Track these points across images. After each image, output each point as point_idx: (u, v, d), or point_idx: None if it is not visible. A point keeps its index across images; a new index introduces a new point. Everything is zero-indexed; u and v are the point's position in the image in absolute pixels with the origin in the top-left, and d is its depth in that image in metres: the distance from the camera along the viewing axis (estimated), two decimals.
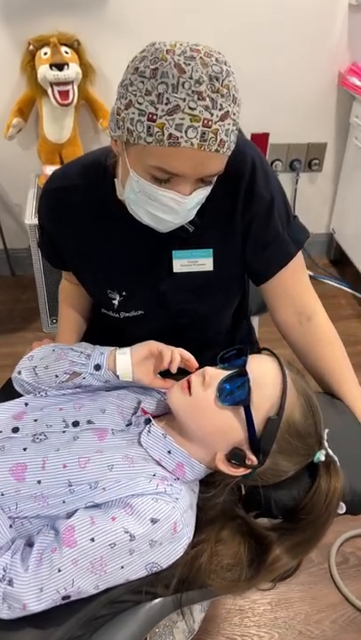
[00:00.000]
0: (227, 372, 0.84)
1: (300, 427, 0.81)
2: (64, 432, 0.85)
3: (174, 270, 1.03)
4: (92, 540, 0.74)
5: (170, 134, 0.75)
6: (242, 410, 0.80)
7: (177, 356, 0.92)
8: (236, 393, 0.81)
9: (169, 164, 0.78)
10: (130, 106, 0.77)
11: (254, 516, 0.92)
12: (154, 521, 0.75)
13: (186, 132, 0.74)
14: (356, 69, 2.34)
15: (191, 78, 0.73)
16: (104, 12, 2.11)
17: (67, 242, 1.07)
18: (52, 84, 2.02)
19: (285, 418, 0.80)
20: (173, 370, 0.92)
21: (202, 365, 1.08)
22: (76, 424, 0.87)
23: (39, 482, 0.79)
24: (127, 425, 0.89)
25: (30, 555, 0.75)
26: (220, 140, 0.77)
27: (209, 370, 0.85)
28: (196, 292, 1.06)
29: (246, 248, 1.03)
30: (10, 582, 0.73)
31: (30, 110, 2.21)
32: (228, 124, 0.77)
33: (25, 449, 0.83)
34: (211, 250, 1.02)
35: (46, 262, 2.24)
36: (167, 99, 0.74)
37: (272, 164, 2.53)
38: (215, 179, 0.86)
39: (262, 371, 0.83)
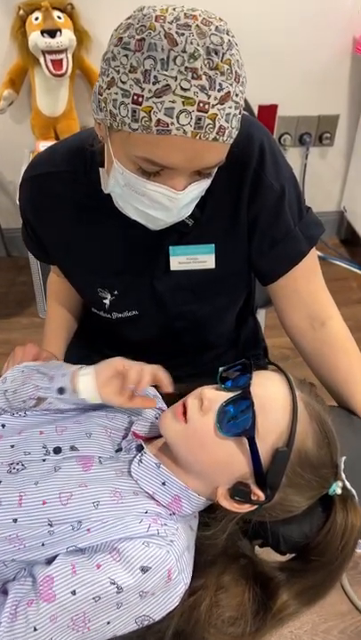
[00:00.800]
0: (227, 395, 0.73)
1: (314, 457, 0.71)
2: (44, 460, 0.75)
3: (171, 268, 0.92)
4: (74, 592, 0.64)
5: (158, 120, 0.63)
6: (245, 440, 0.70)
7: (146, 376, 0.80)
8: (239, 419, 0.70)
9: (158, 155, 0.67)
10: (112, 84, 0.65)
11: (260, 544, 0.83)
12: (144, 569, 0.66)
13: (177, 117, 0.63)
14: None
15: (185, 52, 0.61)
16: None
17: (51, 236, 0.96)
18: (44, 53, 1.88)
19: (296, 448, 0.69)
20: (139, 391, 0.81)
21: (203, 368, 0.98)
22: (57, 450, 0.77)
23: (15, 520, 0.70)
24: (116, 450, 0.79)
25: (4, 606, 0.66)
26: (220, 126, 0.65)
27: (207, 392, 0.74)
28: (196, 292, 0.95)
29: (252, 245, 0.92)
30: None
31: (22, 81, 2.07)
32: (230, 108, 0.65)
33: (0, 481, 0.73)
34: (213, 245, 0.91)
35: None
36: (155, 77, 0.62)
37: (280, 138, 2.40)
38: (215, 170, 0.74)
39: (269, 392, 0.72)
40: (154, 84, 0.62)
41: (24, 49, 1.94)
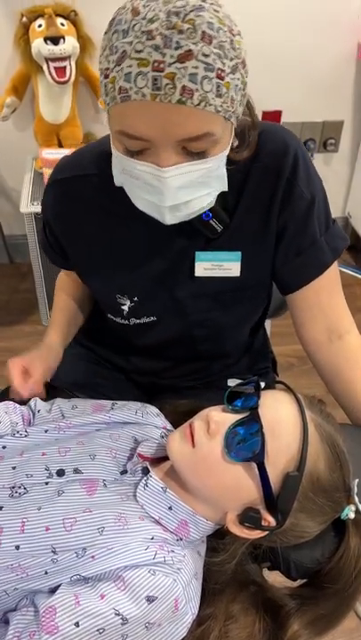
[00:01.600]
0: (235, 417, 0.71)
1: (326, 481, 0.69)
2: (47, 483, 0.73)
3: (196, 274, 0.90)
4: (77, 624, 0.62)
5: (120, 87, 0.63)
6: (255, 465, 0.67)
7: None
8: (247, 442, 0.68)
9: (127, 124, 0.66)
10: (100, 69, 0.67)
11: (269, 567, 0.80)
12: (150, 599, 0.63)
13: (135, 81, 0.62)
14: None
15: (144, 18, 0.61)
16: None
17: (73, 240, 0.94)
18: (47, 60, 1.87)
19: (308, 472, 0.67)
20: None
21: (215, 376, 0.96)
22: (60, 473, 0.74)
23: (17, 547, 0.68)
24: (121, 473, 0.77)
25: (4, 638, 0.63)
26: (183, 86, 0.62)
27: (214, 415, 0.72)
28: (218, 299, 0.94)
29: (278, 252, 0.90)
30: None
31: (25, 88, 2.07)
32: (195, 68, 0.62)
33: (1, 507, 0.71)
34: (239, 253, 0.89)
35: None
36: (116, 47, 0.62)
37: None
38: (217, 153, 0.71)
39: (278, 415, 0.70)
40: (115, 53, 0.63)
41: (27, 56, 1.94)
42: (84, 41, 1.95)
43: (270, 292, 1.05)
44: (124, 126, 0.67)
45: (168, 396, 0.96)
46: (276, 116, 2.32)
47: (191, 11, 0.61)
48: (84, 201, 0.89)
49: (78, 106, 2.07)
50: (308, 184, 0.86)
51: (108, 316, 1.00)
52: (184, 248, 0.89)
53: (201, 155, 0.70)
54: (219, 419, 0.71)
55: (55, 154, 2.00)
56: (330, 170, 2.52)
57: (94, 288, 1.01)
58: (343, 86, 2.32)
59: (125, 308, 0.95)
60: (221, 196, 0.81)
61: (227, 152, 0.75)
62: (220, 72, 0.64)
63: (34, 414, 0.90)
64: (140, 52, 0.61)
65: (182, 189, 0.72)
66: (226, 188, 0.79)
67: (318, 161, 2.47)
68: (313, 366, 0.98)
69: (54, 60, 1.87)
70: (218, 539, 0.74)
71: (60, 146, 2.12)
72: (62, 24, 1.88)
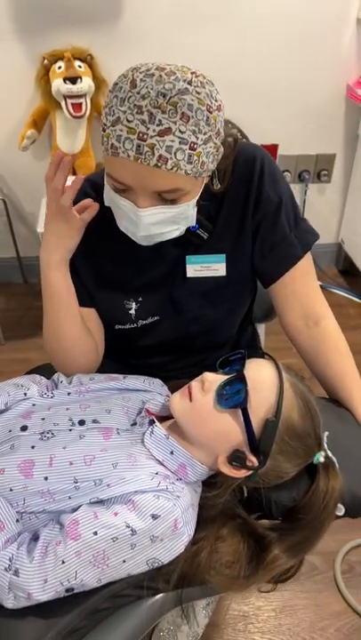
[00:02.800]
0: (225, 377, 0.86)
1: (299, 428, 0.83)
2: (70, 430, 0.88)
3: (187, 275, 1.05)
4: (95, 533, 0.76)
5: (111, 144, 0.80)
6: (240, 412, 0.82)
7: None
8: (234, 397, 0.83)
9: (113, 172, 0.83)
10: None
11: (255, 518, 0.94)
12: (155, 517, 0.78)
13: (123, 143, 0.78)
14: None
15: (138, 93, 0.77)
16: (116, 26, 2.17)
17: (84, 264, 1.06)
18: (65, 97, 2.07)
19: (283, 419, 0.82)
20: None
21: (210, 367, 1.11)
22: (82, 423, 0.89)
23: (46, 478, 0.82)
24: (132, 425, 0.92)
25: (36, 547, 0.77)
26: (160, 155, 0.78)
27: (208, 376, 0.87)
28: (208, 297, 1.08)
29: (254, 250, 1.05)
30: (16, 572, 0.75)
31: (44, 122, 2.27)
32: (172, 142, 0.78)
33: (33, 447, 0.86)
34: (224, 255, 1.04)
35: None
36: (113, 111, 0.79)
37: None
38: (186, 201, 0.87)
39: (260, 375, 0.85)
40: (112, 116, 0.79)
41: (47, 94, 2.14)
42: (98, 81, 2.16)
43: (255, 289, 1.20)
44: (112, 172, 0.84)
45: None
46: (273, 149, 2.49)
47: (176, 94, 0.77)
48: (94, 222, 1.02)
49: (91, 138, 2.26)
50: (275, 188, 1.01)
51: (117, 327, 1.11)
52: (178, 254, 1.04)
53: (172, 201, 0.87)
54: (212, 379, 0.87)
55: (69, 180, 2.18)
56: (324, 199, 2.69)
57: (105, 298, 1.12)
58: (335, 122, 2.51)
59: (132, 311, 1.08)
60: (205, 207, 0.97)
61: (195, 199, 0.91)
62: (192, 144, 0.80)
63: (56, 385, 1.05)
64: (130, 122, 0.77)
65: (154, 225, 0.89)
66: (193, 224, 0.95)
67: (313, 191, 2.65)
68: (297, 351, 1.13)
69: (72, 97, 2.07)
70: (210, 479, 0.88)
71: (75, 174, 2.29)
72: (79, 66, 2.09)
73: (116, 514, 0.78)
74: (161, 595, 0.83)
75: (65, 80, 2.04)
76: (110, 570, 0.78)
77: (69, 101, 2.08)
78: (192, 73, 0.80)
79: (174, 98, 0.77)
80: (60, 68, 2.08)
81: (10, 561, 0.76)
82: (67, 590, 0.77)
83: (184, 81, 0.78)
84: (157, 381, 1.03)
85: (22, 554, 0.77)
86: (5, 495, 0.82)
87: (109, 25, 2.16)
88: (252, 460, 0.83)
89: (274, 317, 1.45)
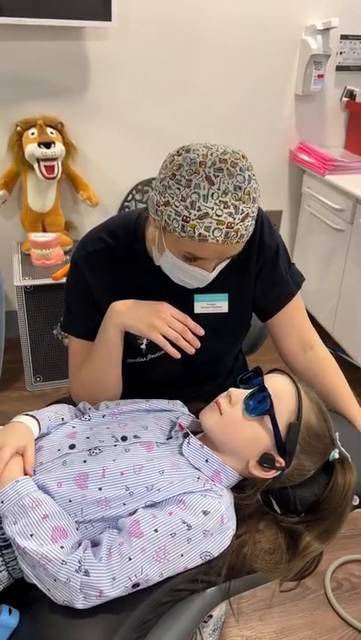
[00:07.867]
0: (248, 390, 0.98)
1: (317, 428, 0.96)
2: (115, 445, 0.96)
3: (195, 311, 1.17)
4: (156, 530, 0.84)
5: (200, 233, 0.91)
6: (267, 418, 0.94)
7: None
8: (260, 406, 0.95)
9: (198, 252, 0.95)
10: (168, 205, 0.92)
11: (281, 514, 1.04)
12: (205, 513, 0.87)
13: (213, 232, 0.91)
14: (304, 147, 2.68)
15: (219, 189, 0.89)
16: (84, 98, 2.36)
17: (102, 303, 1.14)
18: (38, 160, 2.21)
19: (304, 421, 0.94)
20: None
21: (208, 393, 1.21)
22: (124, 439, 0.98)
23: (100, 489, 0.89)
24: (167, 439, 1.01)
25: (100, 550, 0.84)
26: (240, 235, 0.93)
27: (233, 391, 0.99)
28: (214, 331, 1.19)
29: (256, 289, 1.20)
30: (86, 573, 0.81)
31: (14, 184, 2.39)
32: (248, 222, 0.92)
33: (85, 461, 0.93)
34: (227, 294, 1.18)
35: (32, 323, 2.31)
36: (199, 207, 0.89)
37: None
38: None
39: (278, 385, 0.98)
40: (198, 211, 0.89)
41: (19, 157, 2.28)
42: (68, 146, 2.32)
43: (249, 322, 1.34)
44: (194, 251, 0.94)
45: None
46: None
47: (247, 185, 0.89)
48: (106, 266, 1.13)
49: (60, 197, 2.40)
50: (273, 236, 1.18)
51: (128, 361, 1.20)
52: (186, 292, 1.16)
53: (229, 258, 1.01)
54: (237, 393, 0.99)
55: (42, 237, 2.29)
56: None
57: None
58: (280, 183, 2.80)
59: (143, 346, 1.18)
60: None
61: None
62: (255, 216, 0.94)
63: (82, 412, 1.12)
64: (219, 216, 0.88)
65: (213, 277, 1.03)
66: None
67: None
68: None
69: (45, 160, 2.21)
70: (241, 482, 0.98)
71: (44, 230, 2.42)
72: (51, 132, 2.25)
73: (170, 513, 0.86)
74: (210, 590, 0.91)
75: (39, 144, 2.19)
76: (170, 564, 0.85)
77: (42, 164, 2.22)
78: (243, 157, 0.93)
79: (247, 188, 0.90)
80: (33, 134, 2.23)
81: (79, 563, 0.82)
82: (133, 586, 0.83)
83: (246, 169, 0.90)
84: (178, 402, 1.14)
85: (89, 555, 0.83)
86: (64, 506, 0.88)
87: (77, 97, 2.36)
88: (280, 460, 0.94)
89: (258, 349, 1.60)
